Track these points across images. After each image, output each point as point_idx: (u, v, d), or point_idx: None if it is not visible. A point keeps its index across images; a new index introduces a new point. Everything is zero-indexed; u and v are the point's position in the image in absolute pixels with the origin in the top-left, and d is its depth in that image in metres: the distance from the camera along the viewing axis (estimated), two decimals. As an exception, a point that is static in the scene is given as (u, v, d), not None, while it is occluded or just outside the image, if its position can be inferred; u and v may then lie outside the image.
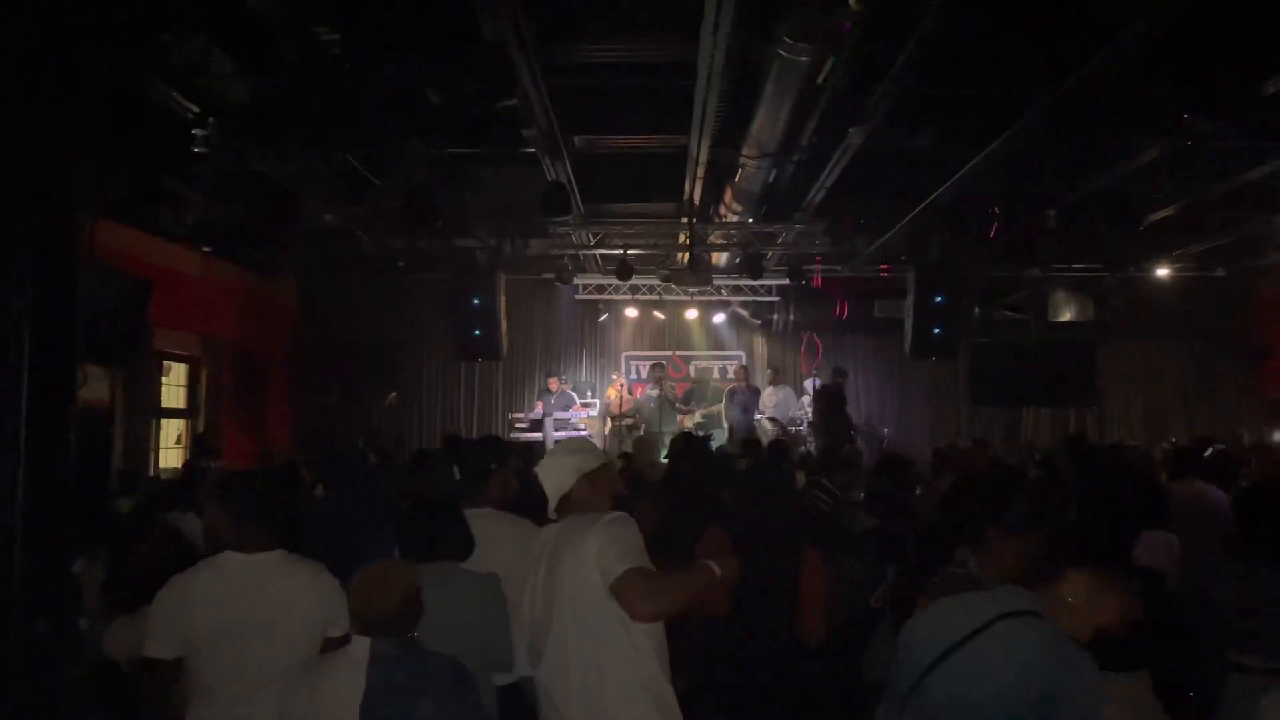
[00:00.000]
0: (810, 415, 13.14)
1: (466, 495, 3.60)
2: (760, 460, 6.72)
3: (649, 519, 3.69)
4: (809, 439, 12.53)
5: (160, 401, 10.70)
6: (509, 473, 3.74)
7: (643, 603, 2.66)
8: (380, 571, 2.74)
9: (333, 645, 3.07)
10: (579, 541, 2.76)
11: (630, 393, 13.30)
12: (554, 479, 3.01)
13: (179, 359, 11.17)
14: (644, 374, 13.99)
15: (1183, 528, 4.67)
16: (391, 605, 2.64)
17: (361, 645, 2.61)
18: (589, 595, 2.72)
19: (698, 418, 13.03)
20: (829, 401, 11.45)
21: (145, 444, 9.85)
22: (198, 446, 10.40)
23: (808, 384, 13.67)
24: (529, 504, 3.41)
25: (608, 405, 13.14)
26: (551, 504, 3.02)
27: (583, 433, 12.77)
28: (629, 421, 12.69)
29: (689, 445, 4.95)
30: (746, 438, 10.33)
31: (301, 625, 3.06)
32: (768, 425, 12.84)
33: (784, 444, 8.11)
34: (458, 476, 3.60)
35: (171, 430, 11.17)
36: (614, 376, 14.01)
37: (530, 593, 2.93)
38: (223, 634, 2.98)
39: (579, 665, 2.74)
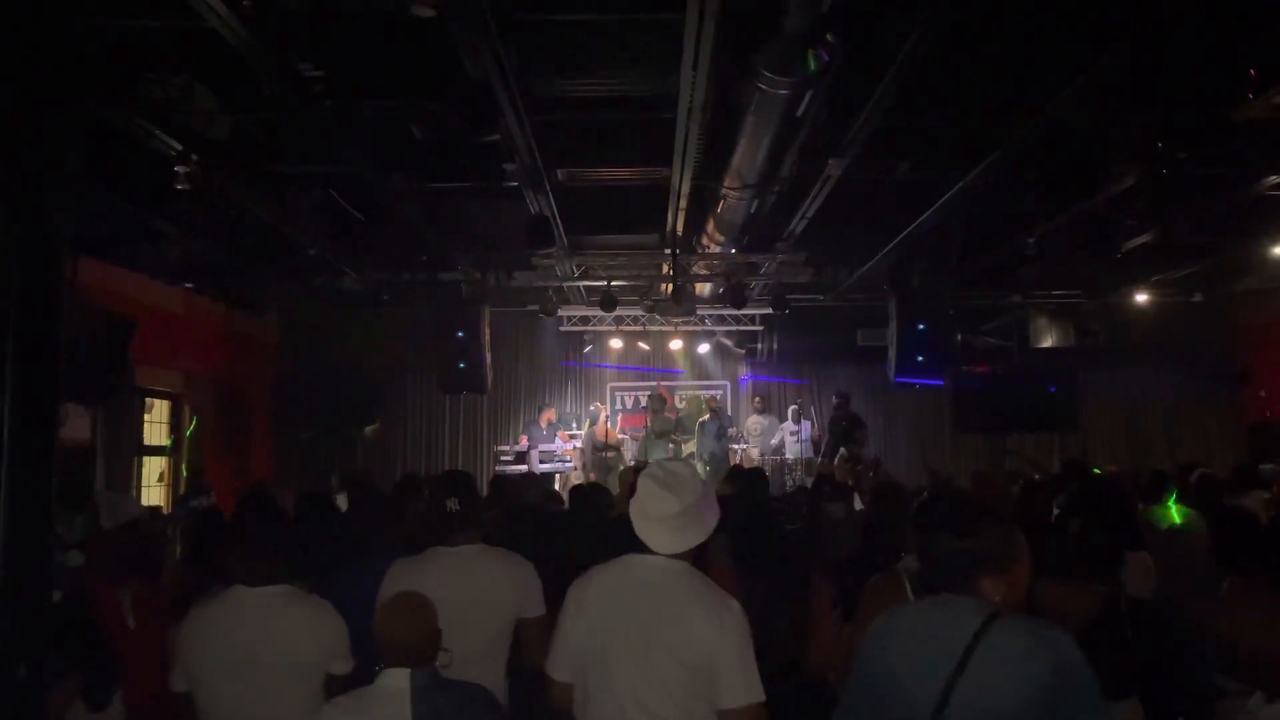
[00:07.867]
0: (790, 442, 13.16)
1: (466, 528, 3.50)
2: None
3: None
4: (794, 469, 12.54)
5: (142, 439, 10.60)
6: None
7: None
8: (409, 602, 2.71)
9: (336, 683, 3.03)
10: None
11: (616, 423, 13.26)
12: None
13: (161, 396, 11.08)
14: (629, 405, 13.95)
15: (1164, 554, 4.70)
16: (423, 635, 2.65)
17: (396, 677, 2.57)
18: None
19: (691, 447, 12.99)
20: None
21: (126, 482, 9.74)
22: (191, 483, 10.28)
23: (791, 411, 13.68)
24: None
25: (593, 438, 13.10)
26: None
27: (569, 465, 12.73)
28: (610, 454, 12.67)
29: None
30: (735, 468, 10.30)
31: (300, 661, 3.03)
32: (754, 454, 12.83)
33: (763, 473, 8.09)
34: (455, 509, 3.49)
35: (154, 468, 11.06)
36: (595, 407, 14.00)
37: None
38: (221, 668, 2.98)
39: None
